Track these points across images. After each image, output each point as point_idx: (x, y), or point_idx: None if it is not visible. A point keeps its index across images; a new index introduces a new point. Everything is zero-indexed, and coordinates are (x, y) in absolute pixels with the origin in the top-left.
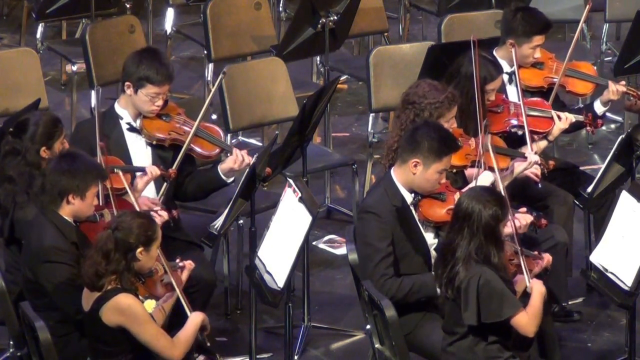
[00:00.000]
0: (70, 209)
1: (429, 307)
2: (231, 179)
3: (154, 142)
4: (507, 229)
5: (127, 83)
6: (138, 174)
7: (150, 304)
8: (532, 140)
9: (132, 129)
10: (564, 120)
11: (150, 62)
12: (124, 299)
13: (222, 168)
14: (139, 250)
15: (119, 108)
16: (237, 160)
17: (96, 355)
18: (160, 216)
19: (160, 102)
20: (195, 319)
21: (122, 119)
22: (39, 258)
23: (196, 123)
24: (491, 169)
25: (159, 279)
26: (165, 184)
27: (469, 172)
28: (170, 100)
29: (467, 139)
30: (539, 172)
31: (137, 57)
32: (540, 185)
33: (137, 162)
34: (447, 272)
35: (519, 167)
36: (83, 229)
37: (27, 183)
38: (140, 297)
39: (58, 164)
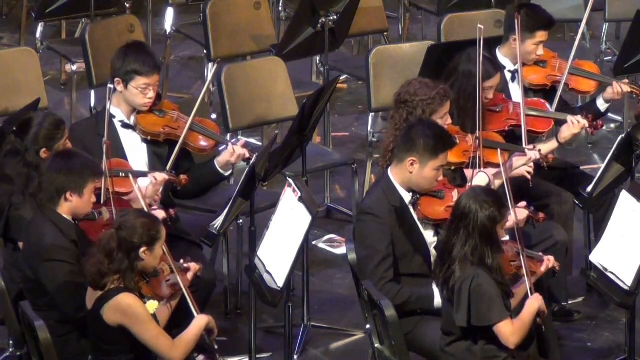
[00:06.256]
0: (68, 206)
1: None
2: (229, 172)
3: (149, 138)
4: (508, 223)
5: (116, 79)
6: (146, 181)
7: (152, 305)
8: (533, 140)
9: (125, 125)
10: (576, 124)
11: (135, 54)
12: (125, 299)
13: (218, 161)
14: (142, 250)
15: (111, 107)
16: (233, 154)
17: (98, 354)
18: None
19: (152, 94)
20: (199, 321)
21: (115, 117)
22: (40, 257)
23: (191, 116)
24: (489, 165)
25: (164, 279)
26: None
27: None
28: (164, 98)
29: (464, 135)
30: (532, 171)
31: (122, 52)
32: (531, 185)
33: (132, 158)
34: (444, 271)
35: (517, 161)
36: (82, 226)
37: (25, 184)
38: (145, 297)
39: (54, 162)
